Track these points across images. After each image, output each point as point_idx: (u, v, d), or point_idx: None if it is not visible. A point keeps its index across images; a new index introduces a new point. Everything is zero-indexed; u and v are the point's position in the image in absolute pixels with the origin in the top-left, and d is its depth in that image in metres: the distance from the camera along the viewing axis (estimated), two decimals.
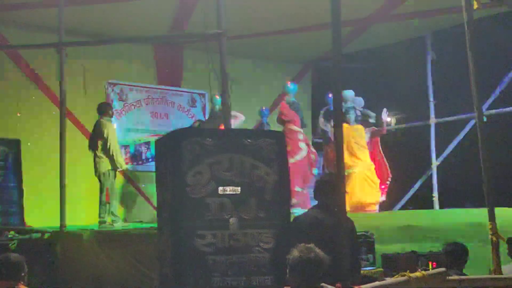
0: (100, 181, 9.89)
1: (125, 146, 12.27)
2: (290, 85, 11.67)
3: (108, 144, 9.79)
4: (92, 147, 9.97)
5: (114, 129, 10.16)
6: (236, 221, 5.09)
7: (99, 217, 9.82)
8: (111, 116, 10.25)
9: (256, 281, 5.07)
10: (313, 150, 11.47)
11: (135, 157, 12.43)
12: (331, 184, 5.22)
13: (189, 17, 11.14)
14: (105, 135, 9.80)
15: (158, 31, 11.52)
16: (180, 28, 11.55)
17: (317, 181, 5.36)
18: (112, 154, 9.81)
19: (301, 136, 11.18)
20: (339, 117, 4.61)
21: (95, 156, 9.88)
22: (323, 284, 3.89)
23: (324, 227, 4.88)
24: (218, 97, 11.79)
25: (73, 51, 10.25)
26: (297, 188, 10.48)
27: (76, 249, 8.34)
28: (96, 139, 9.89)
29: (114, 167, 9.91)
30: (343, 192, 5.34)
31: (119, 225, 9.80)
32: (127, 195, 12.36)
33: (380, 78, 13.08)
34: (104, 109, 10.14)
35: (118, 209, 10.27)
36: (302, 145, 11.11)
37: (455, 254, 6.08)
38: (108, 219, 9.85)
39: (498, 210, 5.47)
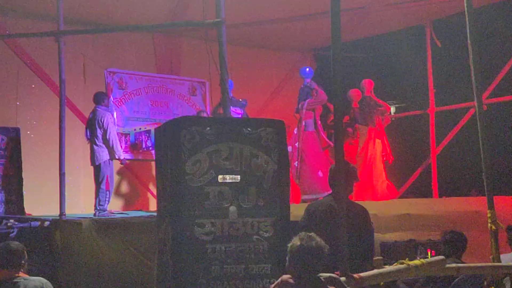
0: (100, 169, 9.89)
1: (125, 135, 12.26)
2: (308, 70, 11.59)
3: (108, 133, 9.81)
4: (91, 136, 9.97)
5: (112, 119, 10.17)
6: (235, 209, 5.10)
7: (99, 205, 9.83)
8: (107, 106, 10.26)
9: (255, 270, 5.08)
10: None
11: (136, 145, 12.43)
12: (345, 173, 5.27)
13: (188, 5, 11.10)
14: (104, 125, 9.81)
15: (157, 19, 11.48)
16: (179, 17, 11.52)
17: (331, 169, 5.32)
18: (112, 144, 9.83)
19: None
20: (339, 106, 4.61)
21: (95, 145, 9.87)
22: (321, 274, 3.90)
23: (336, 216, 4.88)
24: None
25: (72, 40, 10.25)
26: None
27: (75, 237, 8.34)
28: (94, 128, 9.88)
29: (112, 157, 9.93)
30: (353, 181, 5.39)
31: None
32: (127, 184, 12.37)
33: (379, 66, 13.06)
34: (100, 98, 10.15)
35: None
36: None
37: (454, 242, 6.10)
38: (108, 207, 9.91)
39: (497, 199, 5.49)
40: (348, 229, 4.43)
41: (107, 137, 9.82)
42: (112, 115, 10.85)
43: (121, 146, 11.66)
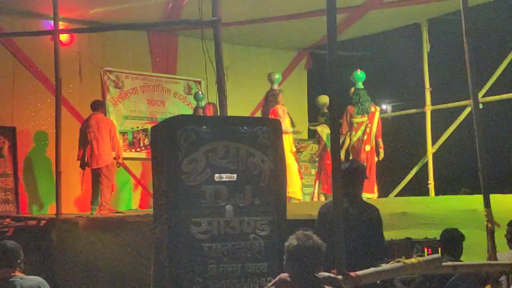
0: (107, 170, 9.95)
1: (123, 133, 12.28)
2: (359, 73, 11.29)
3: (114, 138, 10.08)
4: (96, 139, 9.99)
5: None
6: (232, 208, 5.10)
7: (106, 204, 9.93)
8: (105, 114, 10.38)
9: (251, 268, 5.08)
10: None
11: (133, 144, 12.44)
12: (355, 173, 5.27)
13: (184, 4, 11.10)
14: (111, 130, 10.03)
15: (153, 18, 11.48)
16: (174, 15, 11.51)
17: (342, 169, 5.29)
18: (116, 147, 10.12)
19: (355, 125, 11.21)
20: (335, 106, 4.61)
21: (102, 147, 9.91)
22: (321, 273, 3.90)
23: (348, 216, 4.88)
24: (201, 93, 11.90)
25: (68, 39, 10.24)
26: None
27: (72, 236, 8.35)
28: (101, 132, 9.93)
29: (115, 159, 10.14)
30: (361, 180, 5.39)
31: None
32: (123, 182, 12.37)
33: (375, 65, 13.07)
34: (101, 105, 10.39)
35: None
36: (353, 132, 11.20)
37: (450, 241, 6.11)
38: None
39: (493, 197, 5.49)
40: (360, 229, 4.44)
41: (113, 140, 10.07)
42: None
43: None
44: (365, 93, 11.07)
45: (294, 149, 11.07)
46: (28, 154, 11.24)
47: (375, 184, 10.93)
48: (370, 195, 10.63)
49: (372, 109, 10.98)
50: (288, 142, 10.30)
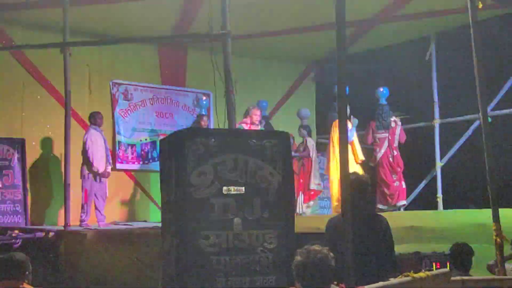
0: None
1: (131, 146, 12.31)
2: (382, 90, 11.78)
3: (86, 149, 10.12)
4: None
5: (95, 136, 10.37)
6: (240, 221, 5.09)
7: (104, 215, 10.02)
8: (95, 124, 10.43)
9: (260, 281, 5.07)
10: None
11: (141, 156, 12.46)
12: (362, 185, 5.24)
13: (194, 17, 11.14)
14: (83, 140, 10.16)
15: (162, 31, 11.52)
16: (184, 28, 11.56)
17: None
18: (91, 160, 10.11)
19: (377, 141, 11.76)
20: (343, 117, 4.61)
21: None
22: (332, 286, 3.88)
23: (357, 229, 4.84)
24: (205, 100, 12.02)
25: (77, 51, 10.29)
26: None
27: (80, 248, 8.35)
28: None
29: (91, 171, 10.18)
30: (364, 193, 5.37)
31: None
32: (131, 194, 12.38)
33: (384, 78, 13.05)
34: (90, 118, 10.51)
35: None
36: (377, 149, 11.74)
37: (460, 255, 6.08)
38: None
39: (503, 211, 5.47)
40: (366, 243, 4.40)
41: (86, 152, 10.06)
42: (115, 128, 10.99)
43: (127, 157, 11.80)
44: (388, 109, 11.64)
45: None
46: (37, 166, 11.27)
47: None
48: (403, 202, 11.45)
49: (393, 124, 11.54)
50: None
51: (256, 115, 10.99)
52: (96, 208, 10.19)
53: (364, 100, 12.07)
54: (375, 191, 11.20)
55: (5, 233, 8.76)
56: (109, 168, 10.45)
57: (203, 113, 12.15)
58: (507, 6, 10.73)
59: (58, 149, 11.12)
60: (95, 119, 10.40)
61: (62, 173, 9.45)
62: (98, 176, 10.13)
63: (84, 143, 10.10)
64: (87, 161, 10.06)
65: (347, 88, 11.02)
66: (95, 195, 10.16)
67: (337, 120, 10.68)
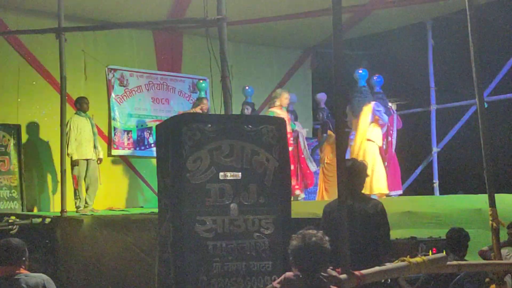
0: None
1: (128, 132, 12.29)
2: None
3: (68, 135, 9.98)
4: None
5: (79, 121, 10.31)
6: (236, 206, 5.10)
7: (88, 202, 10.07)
8: (80, 109, 10.37)
9: (256, 267, 5.09)
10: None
11: (138, 142, 12.44)
12: (356, 169, 5.32)
13: (189, 2, 11.09)
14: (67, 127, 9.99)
15: (158, 16, 11.47)
16: (179, 14, 11.51)
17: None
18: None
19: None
20: (340, 104, 4.60)
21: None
22: (328, 270, 3.89)
23: (353, 213, 4.89)
24: (202, 82, 11.96)
25: (72, 37, 10.24)
26: None
27: (76, 234, 8.36)
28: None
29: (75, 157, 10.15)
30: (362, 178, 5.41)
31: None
32: (128, 181, 12.37)
33: (380, 64, 13.04)
34: (75, 103, 10.45)
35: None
36: None
37: (456, 240, 6.10)
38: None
39: (499, 196, 5.48)
40: (365, 222, 4.42)
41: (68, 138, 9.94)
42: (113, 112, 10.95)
43: (123, 143, 11.79)
44: (384, 97, 11.37)
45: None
46: (33, 151, 11.25)
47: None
48: (398, 191, 11.17)
49: (391, 112, 11.30)
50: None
51: (286, 98, 11.12)
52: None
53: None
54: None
55: (2, 219, 8.76)
56: (100, 154, 10.39)
57: (203, 95, 12.05)
58: None
59: (53, 135, 11.09)
60: (80, 104, 10.36)
61: (58, 159, 9.42)
62: (73, 162, 10.06)
63: (67, 130, 10.00)
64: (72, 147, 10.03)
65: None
66: (84, 180, 10.13)
67: (366, 107, 10.84)
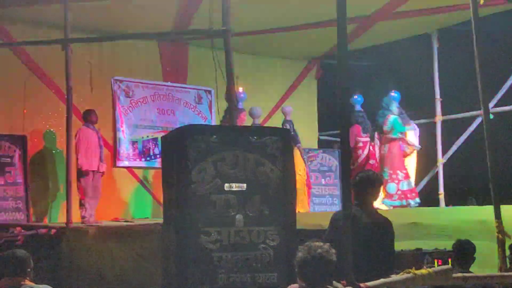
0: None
1: (133, 142, 12.30)
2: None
3: (76, 146, 9.99)
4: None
5: (87, 133, 10.29)
6: (242, 218, 5.09)
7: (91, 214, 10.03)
8: (88, 121, 10.35)
9: (261, 278, 5.07)
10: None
11: (143, 153, 12.45)
12: (370, 183, 5.19)
13: (194, 14, 11.12)
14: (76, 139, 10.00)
15: (164, 27, 11.51)
16: (185, 25, 11.54)
17: (355, 178, 5.21)
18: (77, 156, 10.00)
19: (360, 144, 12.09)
20: (345, 114, 4.61)
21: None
22: (334, 282, 3.88)
23: (360, 226, 4.81)
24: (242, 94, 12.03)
25: (78, 48, 10.28)
26: None
27: (82, 245, 8.36)
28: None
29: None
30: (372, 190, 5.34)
31: None
32: (133, 191, 12.38)
33: (386, 75, 13.05)
34: (84, 116, 10.43)
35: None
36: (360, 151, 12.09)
37: (463, 252, 6.07)
38: None
39: (504, 208, 5.46)
40: (371, 239, 4.38)
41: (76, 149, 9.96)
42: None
43: (128, 154, 11.79)
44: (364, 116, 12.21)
45: None
46: (39, 162, 11.27)
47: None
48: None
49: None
50: None
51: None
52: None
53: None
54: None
55: (7, 230, 8.77)
56: (103, 167, 10.38)
57: (240, 107, 11.52)
58: (508, 1, 10.71)
59: (59, 146, 11.12)
60: (90, 116, 10.37)
61: (64, 170, 9.43)
62: (82, 173, 10.06)
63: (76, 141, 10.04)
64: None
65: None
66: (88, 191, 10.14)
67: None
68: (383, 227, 5.11)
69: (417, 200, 11.47)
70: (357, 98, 12.17)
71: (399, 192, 11.28)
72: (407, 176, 11.44)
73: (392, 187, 11.30)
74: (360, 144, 11.97)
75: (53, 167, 11.33)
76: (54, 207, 11.22)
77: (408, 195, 11.34)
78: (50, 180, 11.26)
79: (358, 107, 12.22)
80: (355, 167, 11.68)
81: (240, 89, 11.95)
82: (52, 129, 11.37)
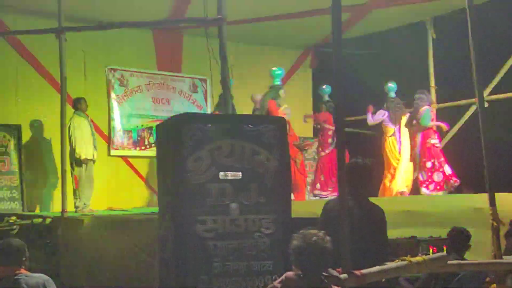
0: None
1: (128, 132, 12.30)
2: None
3: (69, 136, 9.99)
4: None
5: (81, 122, 10.30)
6: (237, 206, 5.09)
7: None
8: (78, 110, 10.35)
9: (256, 266, 5.08)
10: None
11: (138, 142, 12.45)
12: (360, 171, 5.16)
13: (189, 2, 11.08)
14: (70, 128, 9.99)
15: (158, 16, 11.46)
16: (179, 13, 11.50)
17: (347, 167, 5.19)
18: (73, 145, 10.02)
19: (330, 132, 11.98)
20: (341, 103, 4.61)
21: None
22: (329, 269, 3.90)
23: (352, 215, 4.79)
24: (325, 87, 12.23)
25: (72, 37, 10.23)
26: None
27: (77, 234, 8.36)
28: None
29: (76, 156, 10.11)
30: (371, 180, 5.33)
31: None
32: (128, 181, 12.38)
33: (380, 63, 13.04)
34: (74, 104, 10.41)
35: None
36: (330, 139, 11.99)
37: (456, 239, 6.09)
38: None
39: (499, 195, 5.47)
40: (362, 229, 4.39)
41: (69, 138, 9.94)
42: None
43: (123, 143, 11.78)
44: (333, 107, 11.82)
45: None
46: (34, 152, 11.25)
47: None
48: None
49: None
50: None
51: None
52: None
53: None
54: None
55: (2, 219, 8.77)
56: (95, 155, 10.37)
57: (279, 83, 11.68)
58: None
59: (53, 135, 11.10)
60: (80, 104, 10.36)
61: (58, 159, 9.42)
62: (81, 162, 10.05)
63: (68, 129, 10.02)
64: (71, 147, 10.01)
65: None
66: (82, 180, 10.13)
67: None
68: (375, 218, 5.06)
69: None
70: (325, 88, 12.24)
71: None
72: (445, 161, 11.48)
73: (438, 176, 11.28)
74: (330, 133, 11.91)
75: (41, 156, 11.31)
76: (45, 196, 11.22)
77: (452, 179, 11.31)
78: (40, 170, 11.25)
79: (327, 98, 12.29)
80: (326, 154, 11.92)
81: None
82: (39, 119, 11.33)
